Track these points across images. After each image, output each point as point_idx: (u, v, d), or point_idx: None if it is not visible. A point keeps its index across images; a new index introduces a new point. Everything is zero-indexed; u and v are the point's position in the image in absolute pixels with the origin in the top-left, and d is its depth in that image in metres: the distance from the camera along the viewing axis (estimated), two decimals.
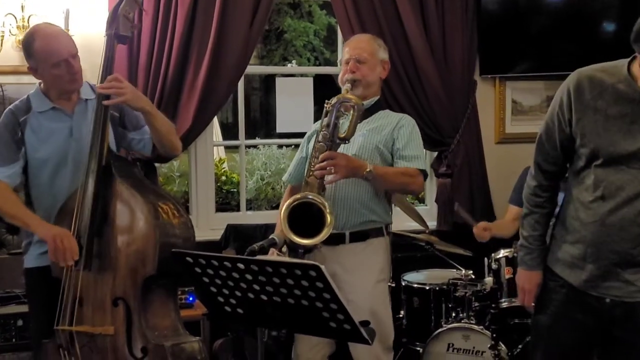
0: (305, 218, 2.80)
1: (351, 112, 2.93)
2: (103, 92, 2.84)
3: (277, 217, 3.34)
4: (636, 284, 2.39)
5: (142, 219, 2.78)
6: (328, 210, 2.78)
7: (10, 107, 3.01)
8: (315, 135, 3.17)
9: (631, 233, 2.38)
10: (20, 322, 3.62)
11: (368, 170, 2.92)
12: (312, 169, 2.90)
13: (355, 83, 3.14)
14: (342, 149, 2.97)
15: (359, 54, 3.18)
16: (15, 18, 4.00)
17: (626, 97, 2.36)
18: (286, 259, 2.77)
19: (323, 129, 2.92)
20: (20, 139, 2.94)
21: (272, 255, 2.84)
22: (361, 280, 3.08)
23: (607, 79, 2.39)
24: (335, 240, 3.03)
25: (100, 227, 2.82)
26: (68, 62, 2.86)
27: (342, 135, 2.91)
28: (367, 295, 3.07)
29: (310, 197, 2.83)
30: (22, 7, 3.99)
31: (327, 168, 2.85)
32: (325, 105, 2.99)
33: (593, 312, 2.48)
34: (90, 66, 3.21)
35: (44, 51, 2.85)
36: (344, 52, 3.28)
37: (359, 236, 3.11)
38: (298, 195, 2.87)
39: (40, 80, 2.99)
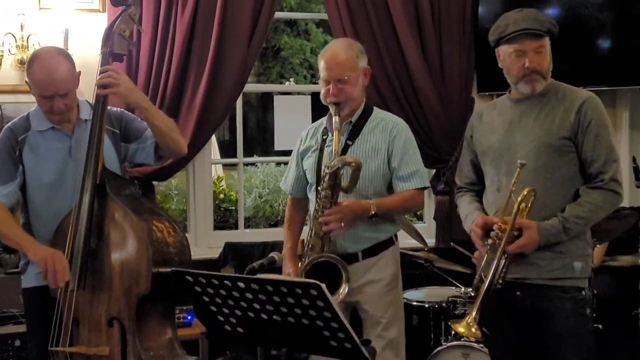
0: (319, 269, 2.88)
1: (351, 170, 2.91)
2: (99, 82, 2.83)
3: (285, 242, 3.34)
4: (540, 264, 2.68)
5: (136, 237, 2.76)
6: (344, 278, 2.86)
7: (9, 124, 2.99)
8: (311, 152, 3.22)
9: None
10: (17, 342, 3.60)
11: (373, 212, 2.98)
12: (319, 220, 2.93)
13: (341, 105, 3.03)
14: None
15: (339, 74, 2.99)
16: (15, 37, 4.00)
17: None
18: (287, 277, 2.75)
19: (326, 190, 2.93)
20: (18, 157, 2.92)
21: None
22: (374, 291, 3.10)
23: None
24: (348, 259, 3.04)
25: (94, 246, 2.80)
26: (52, 99, 2.84)
27: (345, 187, 2.94)
28: (381, 304, 3.09)
29: (334, 259, 2.90)
30: (22, 27, 4.00)
31: (334, 222, 2.90)
32: (324, 169, 2.96)
33: (508, 307, 2.77)
34: (89, 86, 3.21)
35: (35, 80, 2.85)
36: (320, 66, 3.07)
37: (371, 252, 3.12)
38: (316, 255, 2.91)
39: None
